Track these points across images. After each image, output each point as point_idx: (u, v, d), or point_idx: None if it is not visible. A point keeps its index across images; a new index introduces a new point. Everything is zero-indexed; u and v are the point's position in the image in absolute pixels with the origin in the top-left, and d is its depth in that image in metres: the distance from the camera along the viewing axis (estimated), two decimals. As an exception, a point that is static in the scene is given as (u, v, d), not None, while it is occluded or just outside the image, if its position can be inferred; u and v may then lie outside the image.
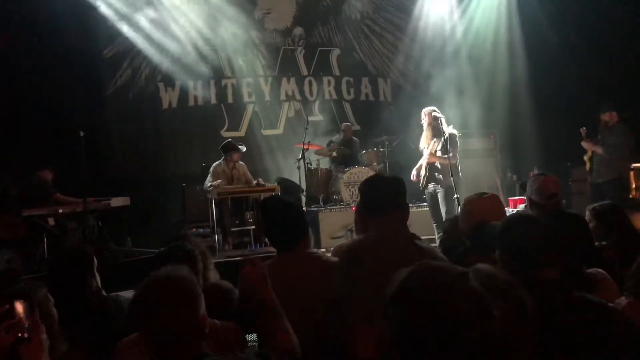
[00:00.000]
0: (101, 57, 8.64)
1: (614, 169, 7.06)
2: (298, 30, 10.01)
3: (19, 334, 1.63)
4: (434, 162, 6.48)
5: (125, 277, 2.67)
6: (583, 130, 7.18)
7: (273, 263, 2.70)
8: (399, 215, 2.30)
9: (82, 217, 6.74)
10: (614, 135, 6.94)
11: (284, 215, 2.59)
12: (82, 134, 5.87)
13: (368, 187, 2.45)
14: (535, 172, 6.89)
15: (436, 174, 6.53)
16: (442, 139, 6.30)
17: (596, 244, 3.35)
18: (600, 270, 2.65)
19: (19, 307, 1.66)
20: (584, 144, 7.14)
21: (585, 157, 7.34)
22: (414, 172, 6.73)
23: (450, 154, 6.33)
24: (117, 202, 7.04)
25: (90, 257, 2.78)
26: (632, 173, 8.91)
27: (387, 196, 2.34)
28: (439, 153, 6.39)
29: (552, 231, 2.14)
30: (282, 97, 9.91)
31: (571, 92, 8.31)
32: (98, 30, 8.38)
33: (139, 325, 1.66)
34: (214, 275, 2.83)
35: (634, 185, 8.95)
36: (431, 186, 6.64)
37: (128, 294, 2.64)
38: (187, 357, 1.62)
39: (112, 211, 7.06)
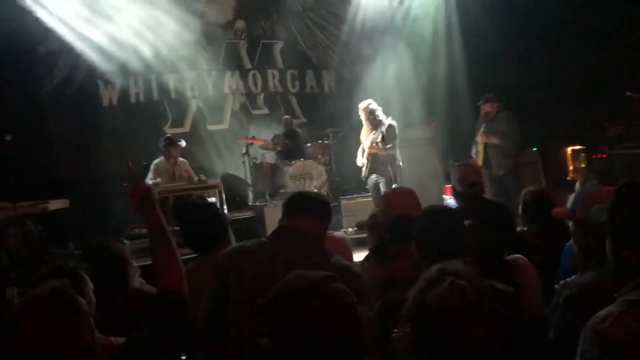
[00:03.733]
0: (36, 54, 8.34)
1: (511, 157, 6.96)
2: (240, 24, 9.91)
3: None
4: (375, 153, 6.59)
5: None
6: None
7: (194, 266, 2.69)
8: (306, 222, 2.27)
9: (20, 222, 6.53)
10: (503, 123, 6.83)
11: (200, 219, 2.59)
12: (8, 138, 5.66)
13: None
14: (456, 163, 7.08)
15: (378, 164, 6.67)
16: (381, 130, 6.40)
17: (519, 229, 3.46)
18: (520, 256, 2.73)
19: None
20: (481, 138, 6.90)
21: (476, 152, 7.06)
22: (359, 160, 6.85)
23: (389, 145, 6.44)
24: (55, 204, 6.83)
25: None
26: (569, 155, 9.26)
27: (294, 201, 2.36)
28: (379, 144, 6.49)
29: (462, 221, 2.22)
30: (226, 91, 9.80)
31: (508, 81, 8.51)
32: (30, 25, 8.07)
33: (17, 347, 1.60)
34: (137, 281, 2.81)
35: (571, 167, 9.31)
36: (373, 176, 6.80)
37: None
38: None
39: (52, 214, 6.87)
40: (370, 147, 6.57)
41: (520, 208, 3.44)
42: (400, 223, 2.50)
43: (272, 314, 1.24)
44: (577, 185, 4.01)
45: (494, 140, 6.80)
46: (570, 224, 3.39)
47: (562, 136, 9.09)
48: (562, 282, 2.47)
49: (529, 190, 3.41)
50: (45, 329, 1.58)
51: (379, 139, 6.44)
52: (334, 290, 1.26)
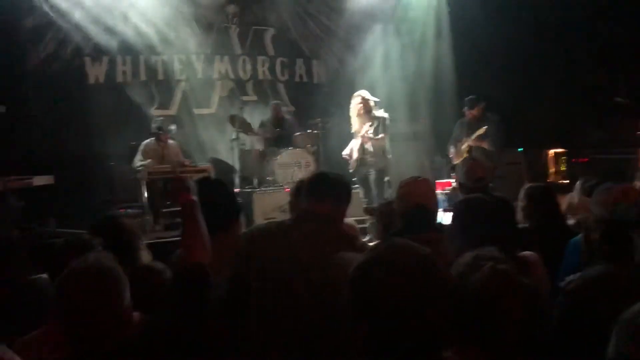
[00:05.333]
0: (22, 28, 8.15)
1: (495, 160, 6.94)
2: (231, 8, 9.79)
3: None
4: (366, 145, 6.62)
5: (47, 258, 2.58)
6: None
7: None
8: (328, 206, 2.26)
9: (2, 197, 6.40)
10: (492, 125, 6.78)
11: (219, 197, 2.59)
12: (2, 110, 5.53)
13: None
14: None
15: (368, 157, 6.70)
16: (374, 121, 6.44)
17: (519, 226, 3.51)
18: (532, 253, 2.74)
19: None
20: (473, 141, 6.82)
21: (455, 152, 7.00)
22: (346, 151, 6.86)
23: (381, 136, 6.49)
24: (39, 180, 6.71)
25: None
26: (550, 158, 9.43)
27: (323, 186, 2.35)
28: (372, 135, 6.53)
29: (499, 210, 2.26)
30: (215, 75, 9.70)
31: (496, 79, 8.62)
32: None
33: (61, 316, 1.64)
34: (145, 256, 2.79)
35: (552, 170, 9.49)
36: (363, 169, 6.82)
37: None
38: (109, 346, 1.62)
39: (35, 190, 6.74)
40: (364, 137, 6.59)
41: (520, 204, 3.49)
42: (416, 212, 2.53)
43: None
44: (578, 184, 4.09)
45: (485, 145, 6.82)
46: (572, 220, 3.48)
47: (546, 138, 9.25)
48: (567, 279, 2.52)
49: (532, 185, 3.47)
50: (89, 299, 1.58)
51: (371, 131, 6.47)
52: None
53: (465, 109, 7.02)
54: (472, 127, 6.90)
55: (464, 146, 6.88)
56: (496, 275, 1.53)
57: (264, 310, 2.08)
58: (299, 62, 10.33)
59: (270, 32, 10.10)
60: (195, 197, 2.04)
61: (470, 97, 7.07)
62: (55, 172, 7.02)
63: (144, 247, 2.82)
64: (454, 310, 1.58)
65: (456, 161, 6.83)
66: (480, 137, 6.78)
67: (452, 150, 7.09)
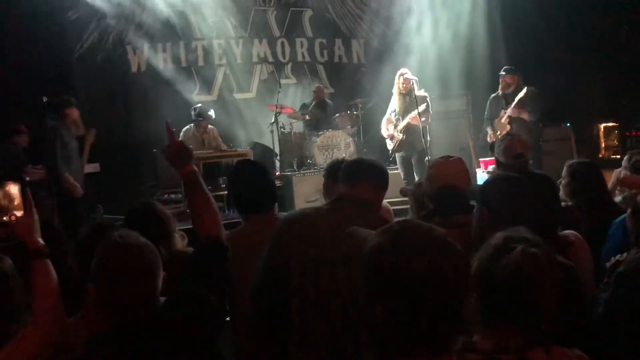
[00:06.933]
0: (66, 20, 8.34)
1: (537, 132, 6.75)
2: (269, -10, 9.78)
3: (4, 217, 1.78)
4: (413, 125, 6.45)
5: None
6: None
7: (244, 227, 2.69)
8: (366, 190, 2.24)
9: (50, 185, 6.60)
10: (530, 97, 6.52)
11: (261, 178, 2.60)
12: (45, 99, 5.68)
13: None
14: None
15: (410, 137, 6.55)
16: (417, 101, 6.30)
17: (563, 204, 3.38)
18: (573, 232, 2.61)
19: (13, 188, 1.80)
20: (511, 111, 6.55)
21: (497, 131, 6.70)
22: (386, 132, 6.74)
23: (424, 117, 6.35)
24: (86, 168, 6.90)
25: None
26: (601, 132, 9.06)
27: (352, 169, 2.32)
28: (413, 115, 6.39)
29: (532, 191, 2.18)
30: (255, 59, 9.72)
31: (547, 53, 8.31)
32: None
33: (99, 287, 1.68)
34: (180, 242, 2.81)
35: (603, 145, 9.12)
36: (405, 150, 6.68)
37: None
38: (141, 320, 1.66)
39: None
40: (413, 118, 6.42)
41: (563, 182, 3.35)
42: (447, 193, 2.44)
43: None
44: (625, 160, 3.90)
45: (524, 115, 6.51)
46: (620, 197, 3.32)
47: (595, 112, 8.89)
48: (613, 259, 2.40)
49: (575, 162, 3.32)
50: (133, 277, 1.64)
51: (414, 111, 6.33)
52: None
53: (502, 75, 6.73)
54: (508, 99, 6.62)
55: (504, 119, 6.60)
56: (527, 259, 1.50)
57: (304, 293, 2.07)
58: (338, 42, 10.22)
59: (308, 13, 10.02)
60: (194, 166, 2.03)
61: (506, 67, 6.83)
62: (100, 160, 7.19)
63: (179, 232, 2.84)
64: (483, 292, 1.54)
65: (494, 139, 6.60)
66: (521, 106, 6.47)
67: (488, 129, 6.80)
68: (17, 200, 1.81)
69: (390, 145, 6.86)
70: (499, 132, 6.55)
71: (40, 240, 1.86)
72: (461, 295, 1.21)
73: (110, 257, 1.67)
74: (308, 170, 7.65)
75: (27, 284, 1.92)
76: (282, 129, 8.15)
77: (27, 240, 1.82)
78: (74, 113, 5.92)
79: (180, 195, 7.19)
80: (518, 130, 6.40)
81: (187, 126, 7.29)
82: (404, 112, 6.52)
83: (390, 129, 6.79)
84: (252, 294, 2.18)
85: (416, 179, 6.47)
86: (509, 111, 6.57)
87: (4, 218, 1.85)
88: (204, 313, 1.76)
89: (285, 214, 2.70)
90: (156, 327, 1.66)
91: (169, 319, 1.68)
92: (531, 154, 6.41)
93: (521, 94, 6.43)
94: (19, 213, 1.83)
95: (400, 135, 6.61)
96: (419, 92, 6.52)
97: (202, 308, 1.76)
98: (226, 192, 7.08)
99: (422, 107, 6.34)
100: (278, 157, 8.12)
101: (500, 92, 6.75)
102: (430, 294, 1.16)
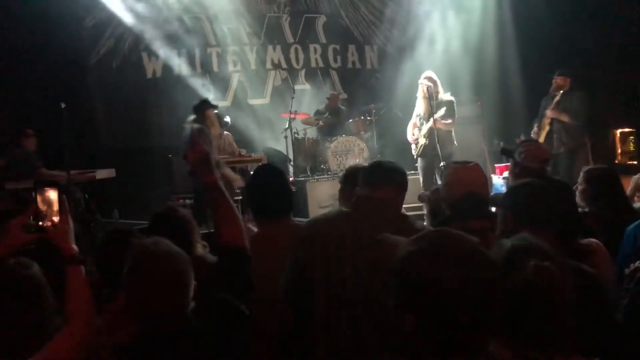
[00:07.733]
0: (82, 27, 8.44)
1: (577, 136, 6.74)
2: (283, -3, 9.84)
3: (40, 223, 1.76)
4: (439, 129, 6.24)
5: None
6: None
7: (259, 233, 2.70)
8: (387, 192, 2.27)
9: (67, 190, 6.66)
10: (575, 101, 6.59)
11: (278, 184, 2.62)
12: (63, 105, 5.75)
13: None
14: (523, 138, 6.88)
15: (435, 142, 6.23)
16: (441, 105, 6.23)
17: (580, 210, 3.35)
18: (595, 240, 2.59)
19: (52, 193, 1.78)
20: (550, 112, 6.64)
21: (538, 126, 6.83)
22: (411, 136, 6.65)
23: (450, 121, 6.28)
24: (102, 174, 6.97)
25: None
26: (617, 138, 8.98)
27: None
28: (438, 119, 6.26)
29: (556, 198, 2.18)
30: (268, 65, 9.78)
31: (557, 59, 8.26)
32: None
33: (130, 295, 1.68)
34: (200, 248, 2.83)
35: (619, 150, 9.04)
36: (428, 155, 6.49)
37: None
38: (171, 328, 1.65)
39: (98, 183, 7.00)
40: (438, 122, 6.21)
41: (580, 188, 3.33)
42: (466, 199, 2.44)
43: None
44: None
45: (564, 118, 6.57)
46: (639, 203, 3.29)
47: (611, 118, 8.82)
48: (633, 265, 2.39)
49: (592, 168, 3.29)
50: (166, 286, 1.63)
51: (440, 115, 6.23)
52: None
53: (555, 74, 6.81)
54: (554, 100, 6.69)
55: (547, 119, 6.68)
56: (539, 275, 1.46)
57: (329, 292, 2.09)
58: (351, 48, 10.26)
59: (321, 20, 10.07)
60: (216, 177, 2.00)
61: (560, 69, 6.89)
62: (115, 165, 7.26)
63: (200, 243, 2.86)
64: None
65: (541, 136, 6.68)
66: (557, 109, 6.55)
67: (535, 127, 6.87)
68: (55, 206, 1.79)
69: (414, 150, 6.74)
70: (541, 131, 6.74)
71: (75, 247, 1.86)
72: (497, 306, 1.19)
73: (144, 265, 1.66)
74: (322, 176, 7.66)
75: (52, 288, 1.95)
76: (296, 135, 8.18)
77: (62, 246, 1.81)
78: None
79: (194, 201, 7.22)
80: (558, 132, 6.63)
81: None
82: (429, 116, 6.39)
83: (415, 133, 6.65)
84: (283, 294, 2.22)
85: (437, 184, 6.36)
86: (548, 113, 6.66)
87: (42, 223, 1.82)
88: (234, 321, 1.76)
89: (308, 219, 2.75)
90: (186, 336, 1.66)
91: (199, 328, 1.68)
92: (569, 158, 6.55)
93: (557, 98, 6.57)
94: (56, 219, 1.83)
95: (424, 140, 6.49)
96: (444, 96, 6.45)
97: (233, 316, 1.76)
98: (240, 198, 7.13)
99: (441, 112, 6.25)
100: (292, 163, 8.15)
101: (551, 92, 6.81)
102: (465, 307, 1.15)
